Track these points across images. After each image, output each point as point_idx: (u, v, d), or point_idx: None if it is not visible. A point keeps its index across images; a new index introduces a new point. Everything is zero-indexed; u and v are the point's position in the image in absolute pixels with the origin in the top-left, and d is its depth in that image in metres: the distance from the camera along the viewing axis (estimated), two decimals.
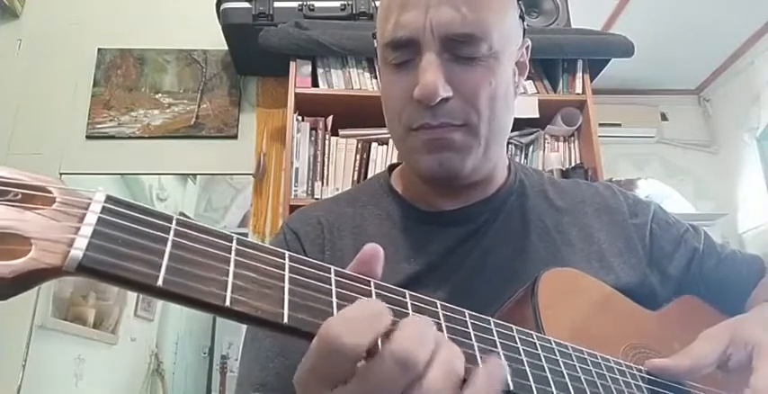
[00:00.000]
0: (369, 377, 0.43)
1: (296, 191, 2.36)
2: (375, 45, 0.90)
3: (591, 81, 2.59)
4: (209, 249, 0.43)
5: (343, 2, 2.58)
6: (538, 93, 2.52)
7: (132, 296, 2.67)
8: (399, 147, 0.89)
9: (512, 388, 0.52)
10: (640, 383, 0.69)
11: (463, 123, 0.81)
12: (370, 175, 2.33)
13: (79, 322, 2.54)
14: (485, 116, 0.82)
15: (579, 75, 2.56)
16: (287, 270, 0.47)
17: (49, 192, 0.38)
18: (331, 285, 0.48)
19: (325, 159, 2.44)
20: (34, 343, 2.46)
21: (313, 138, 2.46)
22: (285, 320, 0.43)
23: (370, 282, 0.51)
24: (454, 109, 0.80)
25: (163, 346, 2.65)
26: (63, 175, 2.68)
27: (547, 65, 2.60)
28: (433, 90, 0.77)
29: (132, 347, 2.63)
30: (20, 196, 0.37)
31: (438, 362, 0.45)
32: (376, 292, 0.51)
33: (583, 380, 0.60)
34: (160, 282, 0.39)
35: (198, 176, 2.80)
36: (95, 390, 2.52)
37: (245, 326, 0.87)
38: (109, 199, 0.41)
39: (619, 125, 3.86)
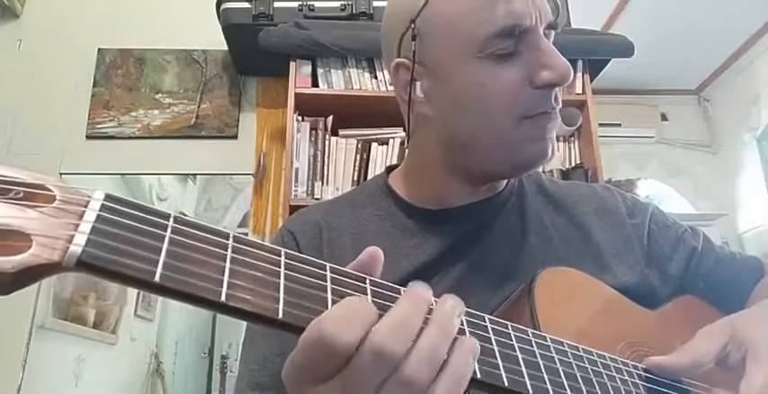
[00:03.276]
0: (351, 370, 0.44)
1: (296, 191, 2.37)
2: (412, 46, 0.83)
3: (591, 81, 2.59)
4: (206, 246, 0.44)
5: (343, 2, 2.58)
6: None
7: (132, 296, 2.67)
8: (501, 138, 0.83)
9: (506, 385, 0.52)
10: (637, 381, 0.69)
11: (559, 109, 0.84)
12: (370, 175, 2.34)
13: (79, 322, 2.54)
14: None
15: (579, 75, 2.56)
16: (282, 267, 0.47)
17: (50, 190, 0.39)
18: (326, 282, 0.49)
19: (326, 159, 2.45)
20: (34, 343, 2.46)
21: (313, 139, 2.46)
22: (280, 316, 0.44)
23: (365, 278, 0.52)
24: (559, 93, 0.83)
25: (163, 346, 2.65)
26: (63, 175, 2.68)
27: None
28: (570, 70, 0.79)
29: (132, 347, 2.63)
30: (21, 194, 0.38)
31: (417, 350, 0.46)
32: (371, 289, 0.51)
33: (579, 378, 0.60)
34: (157, 278, 0.40)
35: (198, 176, 2.80)
36: (95, 390, 2.52)
37: (245, 326, 0.88)
38: (108, 197, 0.41)
39: (619, 125, 3.85)
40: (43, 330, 2.49)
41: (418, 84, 0.86)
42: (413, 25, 0.83)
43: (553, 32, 0.84)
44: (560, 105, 0.83)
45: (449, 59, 0.82)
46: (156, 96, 2.86)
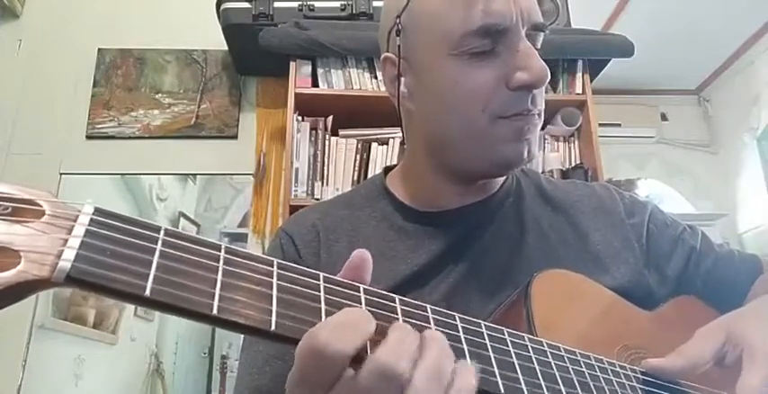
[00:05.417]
0: (355, 387, 0.44)
1: (296, 191, 2.37)
2: (396, 41, 0.85)
3: (591, 81, 2.59)
4: (198, 258, 0.44)
5: (343, 2, 2.58)
6: None
7: None
8: (476, 137, 0.82)
9: (503, 392, 0.52)
10: (635, 384, 0.69)
11: (539, 111, 0.83)
12: (370, 176, 2.33)
13: (79, 322, 2.54)
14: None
15: (579, 75, 2.56)
16: (275, 277, 0.47)
17: (39, 205, 0.39)
18: (320, 292, 0.49)
19: (326, 159, 2.45)
20: (34, 343, 2.46)
21: (313, 139, 2.46)
22: (272, 328, 0.44)
23: (359, 287, 0.51)
24: (539, 96, 0.82)
25: (163, 346, 2.64)
26: (63, 175, 2.69)
27: (547, 65, 2.59)
28: (546, 73, 0.79)
29: (132, 347, 2.63)
30: (9, 209, 0.37)
31: (422, 367, 0.46)
32: (365, 298, 0.51)
33: (576, 383, 0.60)
34: (147, 293, 0.40)
35: (198, 176, 2.80)
36: (95, 390, 2.52)
37: None
38: (97, 211, 0.41)
39: (619, 125, 3.85)
40: (43, 330, 2.49)
41: (403, 79, 0.87)
42: (398, 20, 0.84)
43: (541, 34, 0.84)
44: (540, 107, 0.83)
45: (427, 56, 0.83)
46: (156, 96, 2.86)
